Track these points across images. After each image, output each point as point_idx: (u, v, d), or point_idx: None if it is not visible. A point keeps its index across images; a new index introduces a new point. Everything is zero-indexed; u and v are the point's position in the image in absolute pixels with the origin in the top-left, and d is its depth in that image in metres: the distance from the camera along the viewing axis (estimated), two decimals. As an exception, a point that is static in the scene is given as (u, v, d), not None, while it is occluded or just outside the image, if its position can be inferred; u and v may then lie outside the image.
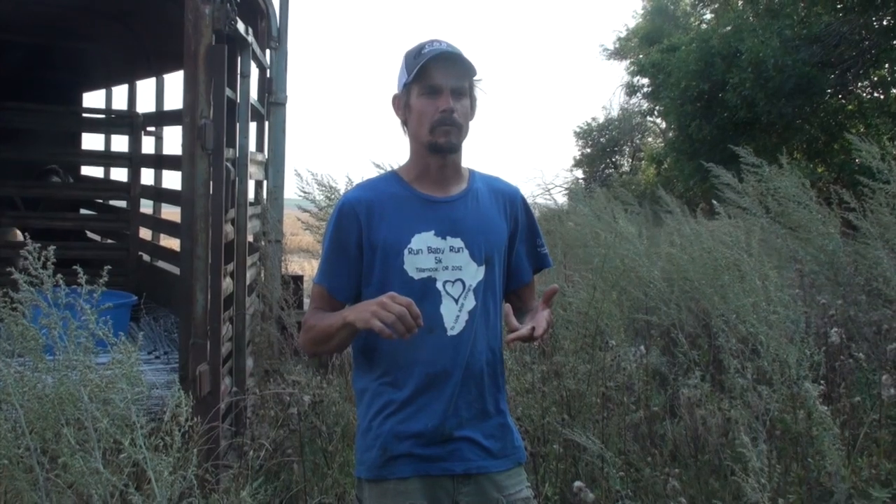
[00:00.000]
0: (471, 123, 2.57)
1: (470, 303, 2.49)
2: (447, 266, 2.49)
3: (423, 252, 2.48)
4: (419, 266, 2.48)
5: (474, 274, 2.50)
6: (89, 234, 9.88)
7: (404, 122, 2.56)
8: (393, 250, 2.49)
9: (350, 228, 2.52)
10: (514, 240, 2.64)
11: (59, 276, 2.64)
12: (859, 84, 15.74)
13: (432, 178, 2.55)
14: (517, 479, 2.60)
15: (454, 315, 2.48)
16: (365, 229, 2.51)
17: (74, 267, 2.69)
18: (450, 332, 2.48)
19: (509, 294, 2.68)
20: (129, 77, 9.05)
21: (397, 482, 2.49)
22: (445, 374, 2.48)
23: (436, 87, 2.45)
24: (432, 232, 2.50)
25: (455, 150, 2.50)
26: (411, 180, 2.56)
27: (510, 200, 2.64)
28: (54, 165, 9.12)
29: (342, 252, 2.53)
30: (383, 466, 2.50)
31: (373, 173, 6.20)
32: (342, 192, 6.11)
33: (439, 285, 2.47)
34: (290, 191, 6.22)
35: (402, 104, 2.55)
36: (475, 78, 2.52)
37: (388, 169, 6.27)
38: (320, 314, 2.53)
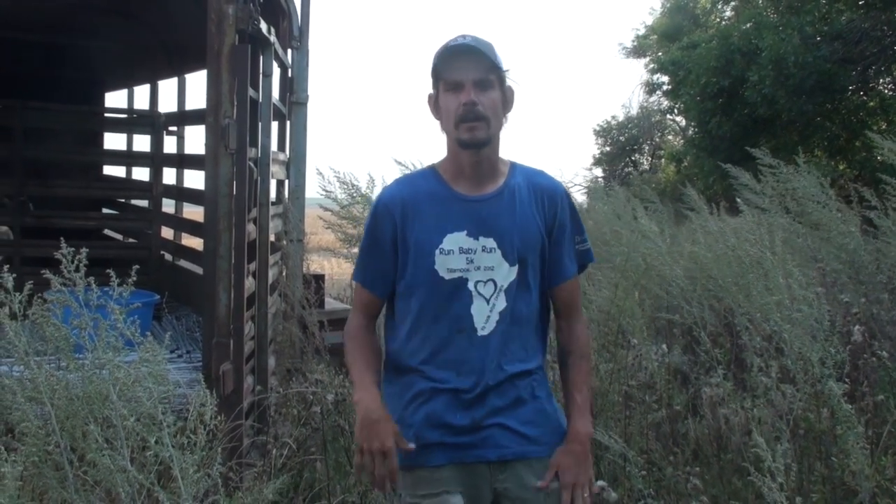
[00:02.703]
0: (509, 115, 2.55)
1: (501, 303, 2.49)
2: (479, 266, 2.48)
3: (455, 252, 2.49)
4: (450, 266, 2.48)
5: (506, 274, 2.49)
6: (110, 233, 9.94)
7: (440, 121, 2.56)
8: (424, 250, 2.50)
9: (385, 226, 2.55)
10: (553, 236, 2.58)
11: (90, 277, 2.68)
12: (881, 81, 15.62)
13: (467, 176, 2.54)
14: None
15: (485, 315, 2.48)
16: (399, 227, 2.53)
17: (108, 271, 2.72)
18: (480, 333, 2.49)
19: (551, 291, 2.64)
20: (151, 77, 9.09)
21: (431, 470, 2.51)
22: (475, 373, 2.49)
23: (457, 81, 2.44)
24: (464, 232, 2.50)
25: (482, 144, 2.47)
26: (448, 178, 2.56)
27: (549, 196, 2.59)
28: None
29: (377, 248, 2.57)
30: (416, 454, 2.51)
31: (394, 171, 6.24)
32: (363, 190, 6.13)
33: (471, 285, 2.48)
34: (312, 189, 6.24)
35: (433, 103, 2.55)
36: (504, 69, 2.48)
37: (410, 166, 6.32)
38: (360, 338, 2.62)
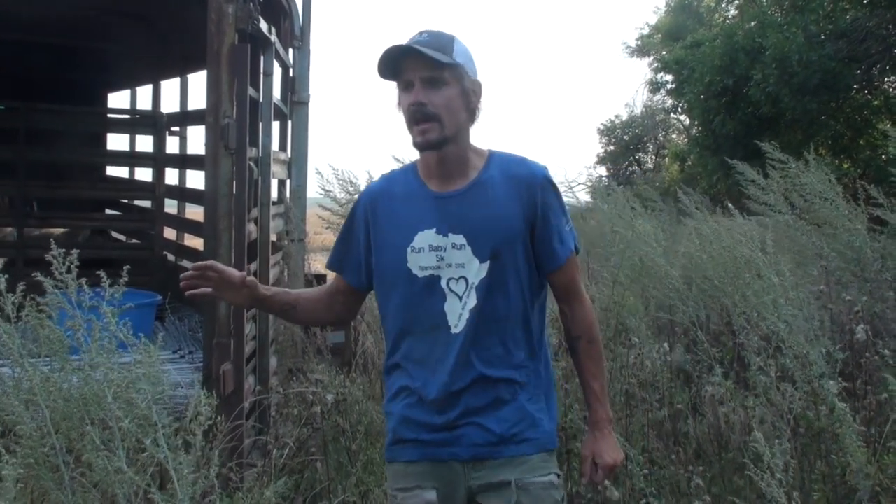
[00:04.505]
0: (479, 108, 2.50)
1: (472, 301, 2.45)
2: (450, 263, 2.46)
3: (425, 251, 2.48)
4: (422, 264, 2.48)
5: (477, 271, 2.45)
6: (114, 234, 9.95)
7: None
8: (397, 249, 2.51)
9: (359, 220, 2.62)
10: (538, 224, 2.50)
11: (83, 279, 2.68)
12: (886, 79, 15.55)
13: (434, 173, 2.52)
14: (538, 465, 2.51)
15: (457, 313, 2.46)
16: (372, 227, 2.57)
17: (98, 272, 2.73)
18: (453, 330, 2.47)
19: (548, 278, 2.58)
20: (154, 77, 9.11)
21: (406, 465, 2.54)
22: (448, 371, 2.47)
23: (406, 81, 2.42)
24: (434, 230, 2.48)
25: (435, 145, 2.43)
26: (421, 173, 2.56)
27: (527, 184, 2.49)
28: None
29: (351, 238, 2.65)
30: (392, 448, 2.57)
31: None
32: (362, 188, 6.13)
33: (443, 283, 2.46)
34: (312, 189, 6.23)
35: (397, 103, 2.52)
36: (460, 64, 2.41)
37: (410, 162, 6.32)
38: (314, 289, 2.86)
